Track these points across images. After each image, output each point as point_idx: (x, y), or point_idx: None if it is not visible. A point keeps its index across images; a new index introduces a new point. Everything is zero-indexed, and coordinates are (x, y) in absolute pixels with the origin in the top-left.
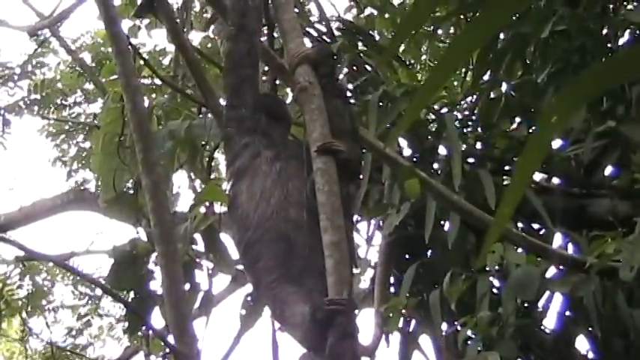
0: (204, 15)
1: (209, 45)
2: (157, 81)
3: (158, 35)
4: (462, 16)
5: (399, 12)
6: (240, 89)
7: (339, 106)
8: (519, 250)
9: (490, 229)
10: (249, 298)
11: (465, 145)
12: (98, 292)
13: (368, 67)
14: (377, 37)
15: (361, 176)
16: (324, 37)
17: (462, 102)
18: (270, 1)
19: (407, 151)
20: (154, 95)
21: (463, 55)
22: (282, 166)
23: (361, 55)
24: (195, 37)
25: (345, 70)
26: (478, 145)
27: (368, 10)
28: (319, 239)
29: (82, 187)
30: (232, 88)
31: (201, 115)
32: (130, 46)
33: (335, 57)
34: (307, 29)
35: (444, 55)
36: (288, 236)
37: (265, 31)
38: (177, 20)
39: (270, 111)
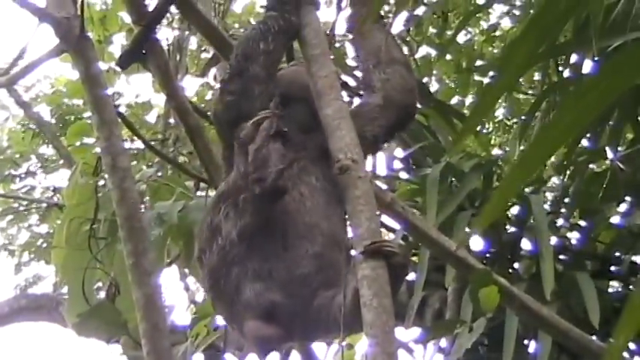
0: (203, 54)
1: (209, 95)
2: (138, 143)
3: (139, 81)
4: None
5: (466, 52)
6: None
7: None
8: None
9: None
10: None
11: (556, 238)
12: None
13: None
14: (434, 85)
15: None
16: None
17: (553, 178)
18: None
19: (476, 243)
20: (134, 163)
21: (567, 132)
22: None
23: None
24: (191, 85)
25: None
26: (574, 238)
27: (423, 50)
28: None
29: (33, 289)
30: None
31: (199, 193)
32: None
33: None
34: (344, 78)
35: (543, 132)
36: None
37: None
38: (168, 62)
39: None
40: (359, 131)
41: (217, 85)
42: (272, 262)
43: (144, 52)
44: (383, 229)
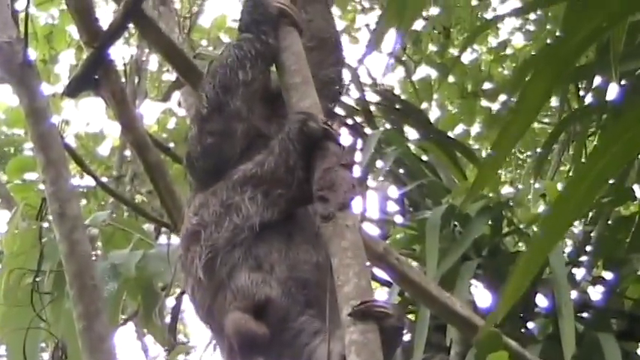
0: (165, 76)
1: (170, 124)
2: (89, 179)
3: (89, 105)
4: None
5: (472, 74)
6: None
7: None
8: None
9: None
10: None
11: (576, 293)
12: None
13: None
14: (435, 112)
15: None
16: (356, 117)
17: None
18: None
19: (482, 297)
20: (83, 203)
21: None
22: None
23: (409, 144)
24: (151, 111)
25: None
26: (597, 293)
27: (422, 71)
28: None
29: None
30: None
31: (161, 239)
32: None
33: None
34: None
35: (570, 187)
36: None
37: None
38: (124, 88)
39: None
40: (319, 80)
41: (185, 114)
42: (275, 257)
43: (96, 77)
44: (375, 283)
